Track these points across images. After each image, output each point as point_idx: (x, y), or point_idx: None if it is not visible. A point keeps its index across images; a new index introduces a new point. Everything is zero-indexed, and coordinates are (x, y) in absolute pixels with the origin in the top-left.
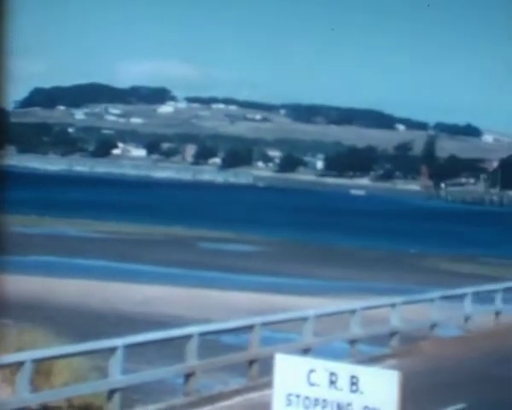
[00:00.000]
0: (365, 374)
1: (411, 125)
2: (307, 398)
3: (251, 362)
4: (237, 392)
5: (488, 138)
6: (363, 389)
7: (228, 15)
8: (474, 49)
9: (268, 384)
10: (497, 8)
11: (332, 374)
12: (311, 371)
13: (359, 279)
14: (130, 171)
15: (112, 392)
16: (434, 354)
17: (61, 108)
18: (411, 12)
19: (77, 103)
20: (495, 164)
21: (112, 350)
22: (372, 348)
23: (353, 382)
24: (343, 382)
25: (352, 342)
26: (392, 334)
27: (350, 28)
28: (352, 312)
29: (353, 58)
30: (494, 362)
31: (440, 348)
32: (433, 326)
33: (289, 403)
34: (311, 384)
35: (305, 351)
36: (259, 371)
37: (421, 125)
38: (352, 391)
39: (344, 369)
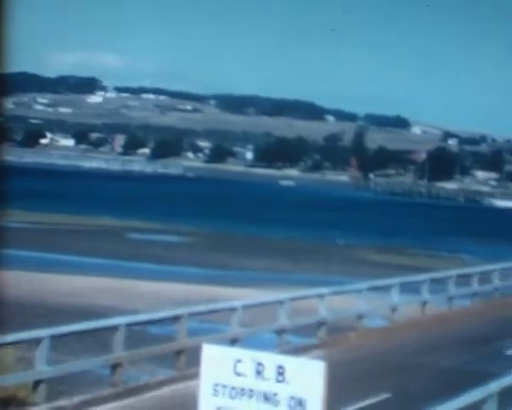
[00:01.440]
0: (292, 364)
1: (341, 116)
2: (233, 388)
3: (178, 353)
4: (164, 383)
5: (417, 130)
6: (290, 379)
7: (157, 5)
8: (403, 41)
9: (195, 375)
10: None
11: (259, 364)
12: (238, 361)
13: (287, 270)
14: (58, 161)
15: (37, 383)
16: (361, 345)
17: None
18: (336, 2)
19: None
20: (423, 156)
21: (37, 341)
22: (299, 338)
23: (280, 372)
24: (269, 372)
25: (280, 332)
26: (320, 325)
27: (282, 20)
28: (280, 303)
29: (284, 50)
30: (419, 352)
31: (367, 338)
32: (361, 317)
33: (216, 393)
34: (238, 374)
35: (233, 341)
36: (187, 361)
37: (351, 117)
38: (279, 381)
39: (270, 359)
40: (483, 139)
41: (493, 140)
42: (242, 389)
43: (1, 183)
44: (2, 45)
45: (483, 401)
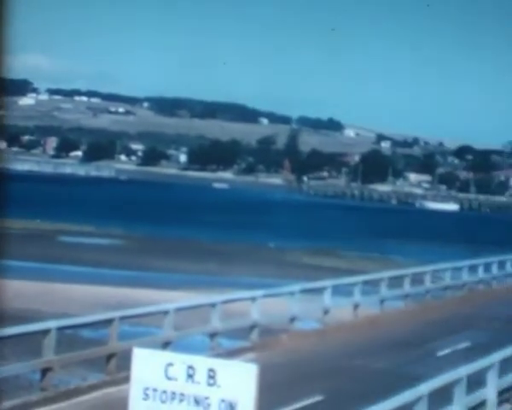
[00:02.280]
0: (223, 367)
1: (275, 119)
2: (164, 392)
3: (109, 357)
4: (95, 387)
5: (350, 133)
6: (221, 382)
7: (90, 7)
8: (336, 44)
9: (126, 379)
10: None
11: (190, 368)
12: (169, 364)
13: (219, 273)
14: None
15: None
16: (293, 347)
17: None
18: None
19: None
20: (356, 158)
21: None
22: (232, 341)
23: (211, 375)
24: (201, 375)
25: (212, 335)
26: (252, 327)
27: (213, 21)
28: (212, 305)
29: (217, 52)
30: (351, 354)
31: (299, 341)
32: (293, 319)
33: (146, 397)
34: (169, 378)
35: (165, 345)
36: (118, 365)
37: (285, 120)
38: (210, 385)
39: (202, 362)
40: (416, 142)
41: (426, 143)
42: (173, 393)
43: None
44: None
45: (414, 403)
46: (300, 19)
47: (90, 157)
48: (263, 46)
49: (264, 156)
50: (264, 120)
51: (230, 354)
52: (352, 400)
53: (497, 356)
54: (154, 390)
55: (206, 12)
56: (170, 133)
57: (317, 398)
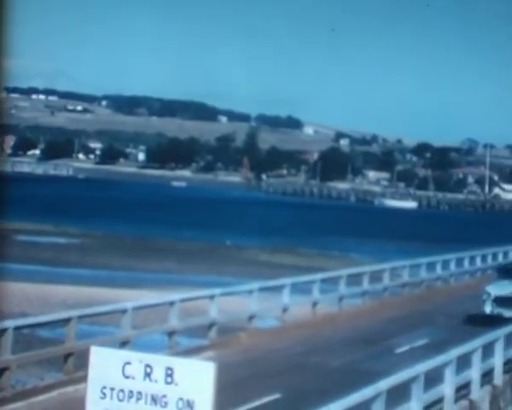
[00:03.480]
0: (181, 366)
1: (233, 117)
2: (121, 391)
3: (67, 356)
4: (52, 386)
5: (309, 130)
6: (179, 380)
7: (48, 3)
8: (293, 42)
9: (84, 378)
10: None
11: (147, 366)
12: (127, 363)
13: (178, 271)
14: None
15: None
16: (252, 345)
17: None
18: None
19: None
20: (315, 156)
21: None
22: (190, 339)
23: (168, 374)
24: (158, 374)
25: (171, 334)
26: (211, 326)
27: (171, 21)
28: (171, 304)
29: (174, 50)
30: (309, 352)
31: (258, 339)
32: (252, 318)
33: (103, 396)
34: (126, 377)
35: (123, 344)
36: (76, 364)
37: (244, 117)
38: (168, 383)
39: (159, 361)
40: (374, 139)
41: (384, 140)
42: (131, 392)
43: None
44: None
45: (372, 400)
46: (257, 17)
47: (47, 156)
48: (221, 45)
49: (223, 154)
50: (223, 118)
51: (189, 352)
52: (310, 397)
53: (454, 353)
54: (112, 389)
55: (164, 10)
56: (128, 131)
57: (275, 396)
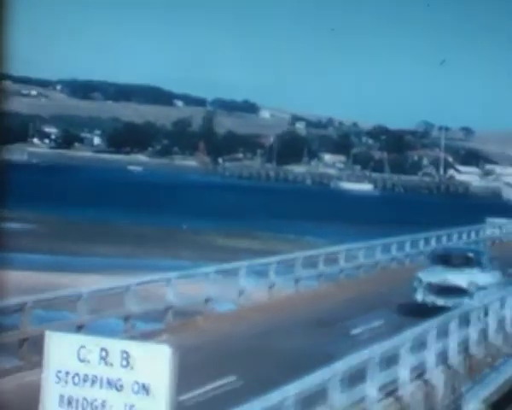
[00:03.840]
0: (136, 349)
1: (189, 101)
2: (77, 374)
3: (22, 341)
4: (8, 372)
5: (265, 114)
6: (134, 364)
7: None
8: (248, 26)
9: (39, 363)
10: None
11: (102, 350)
12: (82, 347)
13: (134, 256)
14: None
15: None
16: (208, 329)
17: None
18: None
19: None
20: (271, 139)
21: None
22: (147, 324)
23: (124, 357)
24: (114, 357)
25: (127, 318)
26: (167, 309)
27: (136, 5)
28: (127, 288)
29: (129, 34)
30: (266, 334)
31: (214, 322)
32: (208, 301)
33: (59, 381)
34: (82, 361)
35: (79, 328)
36: (31, 350)
37: (200, 102)
38: (123, 366)
39: (115, 345)
40: (330, 123)
41: (340, 123)
42: (86, 375)
43: None
44: None
45: (328, 381)
46: (212, 2)
47: (1, 141)
48: (177, 28)
49: (180, 139)
50: (179, 103)
51: (145, 336)
52: (266, 379)
53: (409, 334)
54: (67, 373)
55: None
56: (83, 116)
57: (231, 378)
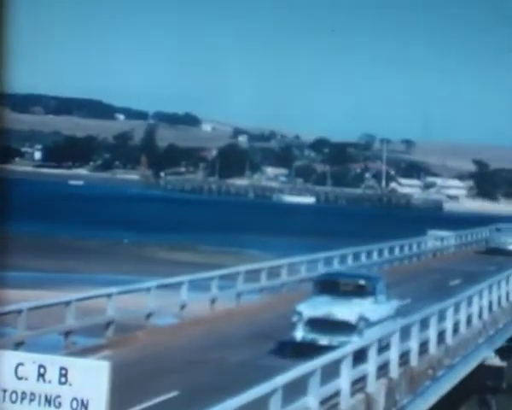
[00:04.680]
0: (75, 366)
1: (131, 114)
2: (14, 392)
3: None
4: None
5: (207, 127)
6: (73, 380)
7: None
8: (190, 39)
9: None
10: None
11: (41, 367)
12: (19, 364)
13: (75, 270)
14: None
15: None
16: (149, 343)
17: None
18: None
19: None
20: (213, 152)
21: None
22: (87, 339)
23: (62, 374)
24: (52, 374)
25: (67, 333)
26: (108, 324)
27: (82, 19)
28: (67, 303)
29: (72, 47)
30: (208, 348)
31: (155, 336)
32: (150, 315)
33: None
34: (19, 378)
35: (18, 345)
36: None
37: (141, 115)
38: (61, 383)
39: (53, 361)
40: (272, 135)
41: (282, 136)
42: (23, 393)
43: None
44: None
45: (269, 395)
46: (141, 14)
47: None
48: (116, 41)
49: (121, 152)
50: (121, 116)
51: (85, 352)
52: (209, 393)
53: (350, 348)
54: (4, 391)
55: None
56: (24, 129)
57: (173, 393)
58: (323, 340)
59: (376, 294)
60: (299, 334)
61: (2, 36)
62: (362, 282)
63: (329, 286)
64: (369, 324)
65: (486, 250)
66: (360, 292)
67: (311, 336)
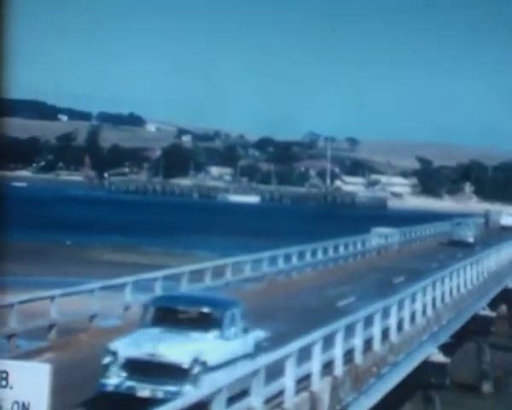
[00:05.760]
0: (15, 369)
1: (74, 115)
2: None
3: None
4: None
5: (151, 128)
6: (14, 384)
7: None
8: (135, 41)
9: None
10: None
11: None
12: None
13: (15, 273)
14: None
15: None
16: (93, 345)
17: None
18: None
19: None
20: (158, 153)
21: None
22: (30, 342)
23: (3, 377)
24: None
25: (10, 337)
26: (51, 327)
27: (24, 20)
28: (9, 306)
29: (14, 47)
30: None
31: (99, 338)
32: (93, 317)
33: None
34: None
35: None
36: None
37: (85, 116)
38: (2, 386)
39: None
40: (217, 135)
41: (227, 135)
42: None
43: None
44: None
45: (212, 395)
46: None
47: None
48: (58, 42)
49: (65, 153)
50: (64, 117)
51: (28, 355)
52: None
53: (295, 345)
54: None
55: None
56: None
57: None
58: (144, 390)
59: (223, 326)
60: (113, 381)
61: None
62: (205, 309)
63: (162, 314)
64: (209, 368)
65: (449, 242)
66: (202, 324)
67: (128, 384)
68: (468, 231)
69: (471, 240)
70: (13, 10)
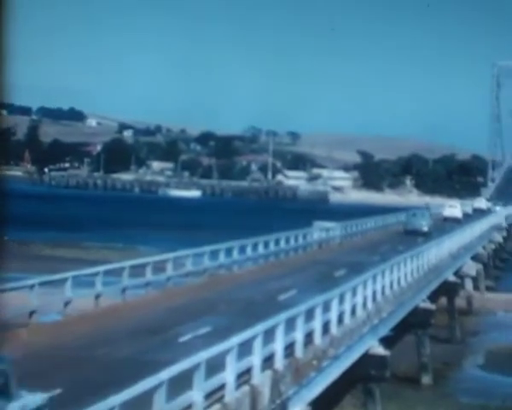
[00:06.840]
0: None
1: (14, 109)
2: None
3: None
4: None
5: (92, 122)
6: None
7: None
8: (85, 31)
9: None
10: None
11: None
12: None
13: None
14: None
15: None
16: (32, 341)
17: None
18: None
19: None
20: (98, 147)
21: None
22: None
23: None
24: None
25: None
26: None
27: None
28: None
29: None
30: (92, 345)
31: (39, 334)
32: (32, 313)
33: None
34: None
35: None
36: None
37: (25, 110)
38: None
39: None
40: (158, 129)
41: (168, 130)
42: None
43: None
44: None
45: (154, 389)
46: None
47: None
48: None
49: (3, 148)
50: (4, 111)
51: None
52: (95, 390)
53: (235, 340)
54: None
55: None
56: None
57: (57, 391)
58: None
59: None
60: None
61: None
62: None
63: None
64: None
65: (404, 232)
66: None
67: None
68: (422, 221)
69: (426, 229)
70: None
